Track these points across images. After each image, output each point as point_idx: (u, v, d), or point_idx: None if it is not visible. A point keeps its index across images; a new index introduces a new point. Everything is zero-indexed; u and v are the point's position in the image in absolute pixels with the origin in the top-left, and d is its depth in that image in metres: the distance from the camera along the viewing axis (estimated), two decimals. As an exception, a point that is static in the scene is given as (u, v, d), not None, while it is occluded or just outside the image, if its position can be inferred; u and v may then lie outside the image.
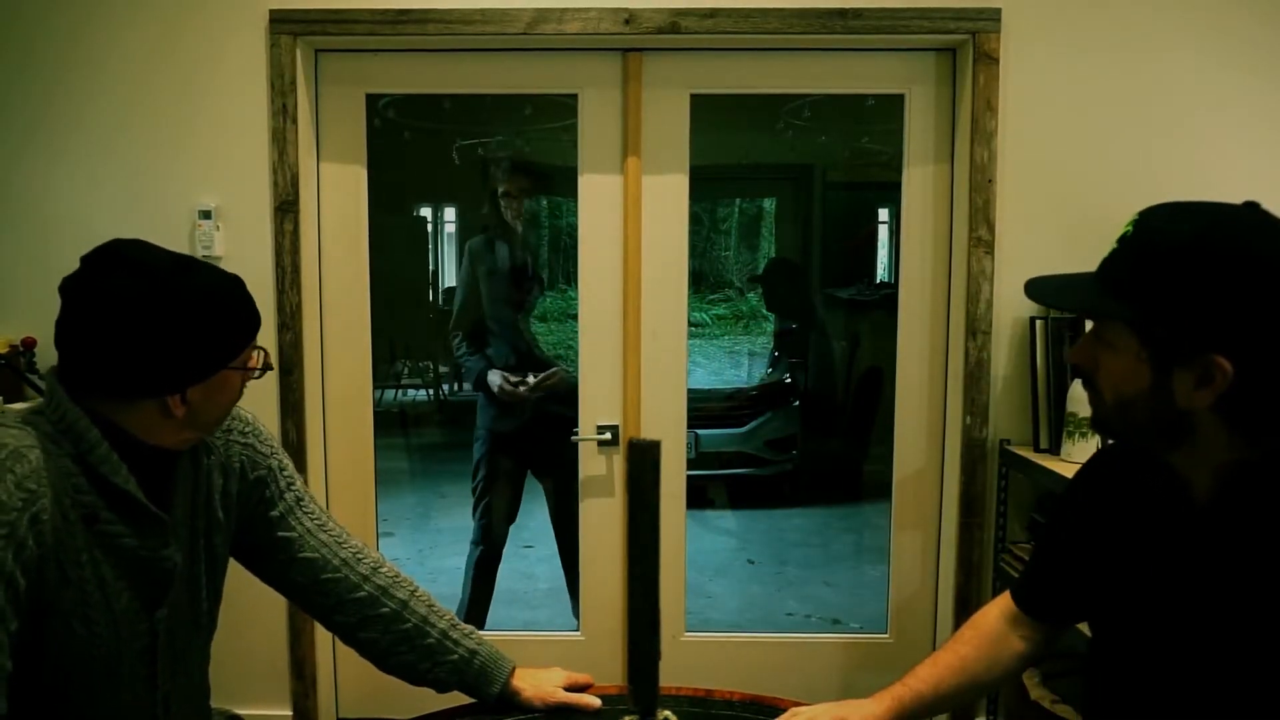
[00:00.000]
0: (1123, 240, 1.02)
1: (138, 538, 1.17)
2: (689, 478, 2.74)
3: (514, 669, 1.44)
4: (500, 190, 3.07)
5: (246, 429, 1.37)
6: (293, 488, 1.39)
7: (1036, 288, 1.11)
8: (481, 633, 1.46)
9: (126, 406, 1.15)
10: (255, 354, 1.26)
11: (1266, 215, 0.97)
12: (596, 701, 1.41)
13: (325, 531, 1.40)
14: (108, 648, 1.16)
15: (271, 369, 1.32)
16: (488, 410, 3.04)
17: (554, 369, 2.95)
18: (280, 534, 1.37)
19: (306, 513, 1.39)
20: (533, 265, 3.22)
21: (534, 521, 4.85)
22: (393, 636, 1.39)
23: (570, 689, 1.43)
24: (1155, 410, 1.00)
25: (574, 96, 2.63)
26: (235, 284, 1.21)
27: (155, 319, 1.11)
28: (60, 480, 1.10)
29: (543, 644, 2.87)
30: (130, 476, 1.15)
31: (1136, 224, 1.01)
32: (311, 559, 1.37)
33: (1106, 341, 1.03)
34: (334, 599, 1.38)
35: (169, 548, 1.21)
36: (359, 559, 1.40)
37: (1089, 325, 1.10)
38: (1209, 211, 0.97)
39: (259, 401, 2.54)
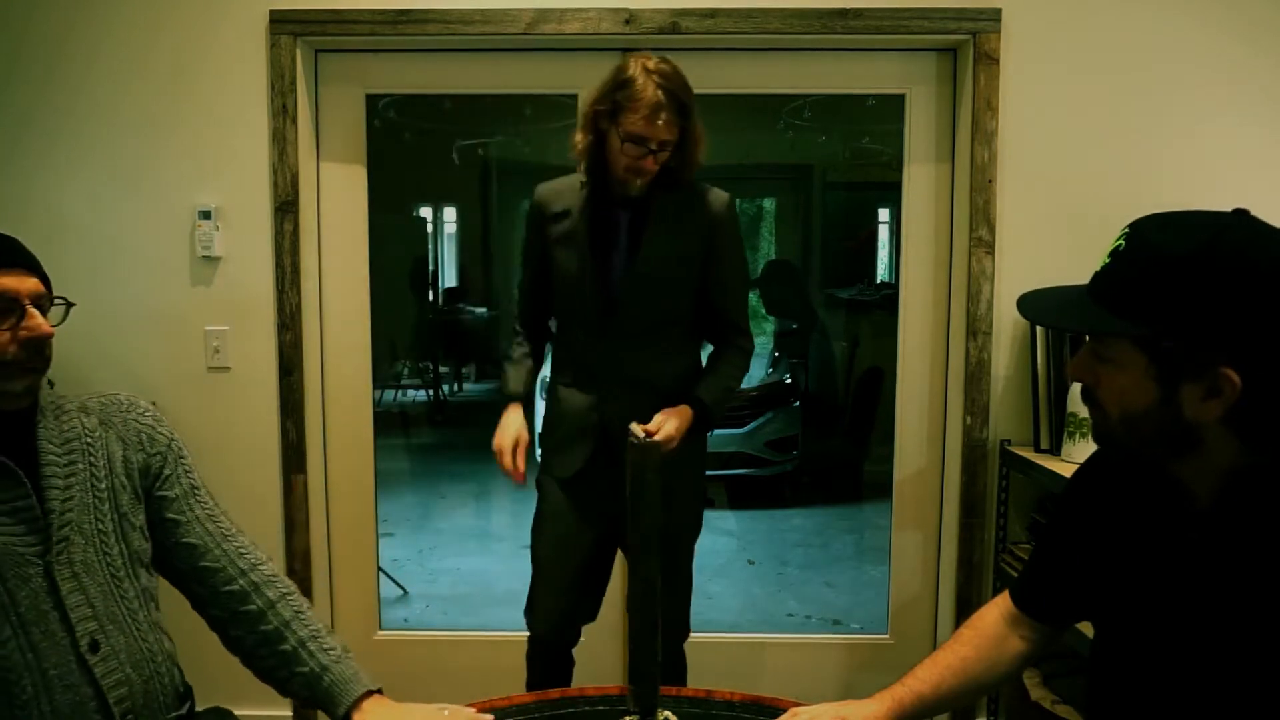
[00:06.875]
0: (1116, 254, 1.00)
1: None
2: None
3: (366, 696, 1.30)
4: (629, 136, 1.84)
5: (145, 414, 1.43)
6: (189, 475, 1.43)
7: (1031, 307, 1.07)
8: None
9: None
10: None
11: (1259, 223, 0.97)
12: None
13: (214, 523, 1.42)
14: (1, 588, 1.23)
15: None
16: None
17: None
18: (169, 515, 1.40)
19: (199, 501, 1.43)
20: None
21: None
22: (256, 637, 1.37)
23: None
24: (1163, 424, 0.99)
25: (574, 96, 2.63)
26: None
27: None
28: None
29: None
30: None
31: (1129, 237, 0.99)
32: (194, 545, 1.39)
33: (1108, 358, 1.01)
34: (210, 589, 1.39)
35: (31, 498, 1.26)
36: (241, 554, 1.41)
37: (1087, 337, 1.07)
38: (1207, 223, 0.96)
39: (259, 401, 2.55)
